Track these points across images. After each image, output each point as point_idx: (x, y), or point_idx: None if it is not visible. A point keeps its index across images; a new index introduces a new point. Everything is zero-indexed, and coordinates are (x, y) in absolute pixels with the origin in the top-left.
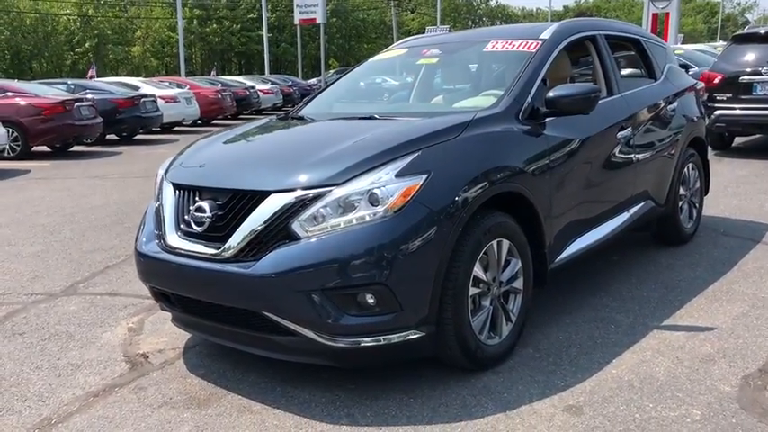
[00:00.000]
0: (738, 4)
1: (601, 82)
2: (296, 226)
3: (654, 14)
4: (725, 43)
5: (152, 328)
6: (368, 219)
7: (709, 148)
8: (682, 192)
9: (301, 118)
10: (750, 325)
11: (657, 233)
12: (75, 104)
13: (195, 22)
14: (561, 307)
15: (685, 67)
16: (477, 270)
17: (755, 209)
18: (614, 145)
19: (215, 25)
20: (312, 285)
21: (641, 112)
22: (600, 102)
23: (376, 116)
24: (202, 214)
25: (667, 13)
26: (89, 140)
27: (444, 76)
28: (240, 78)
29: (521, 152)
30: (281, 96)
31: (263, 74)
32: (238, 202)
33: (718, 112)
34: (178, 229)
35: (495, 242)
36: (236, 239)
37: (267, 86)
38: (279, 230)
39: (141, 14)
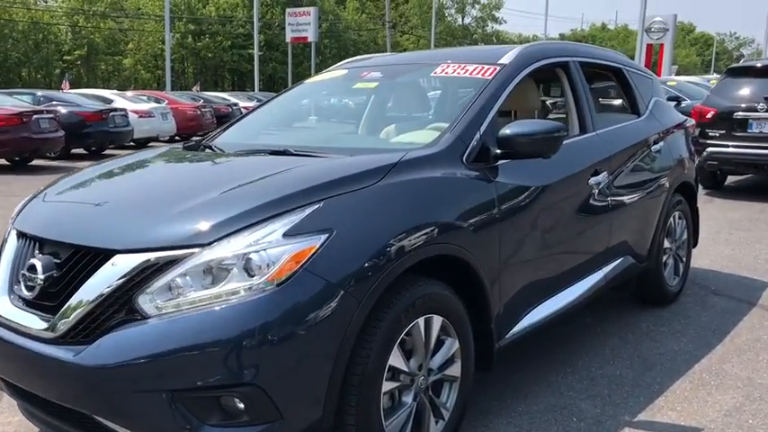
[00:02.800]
0: (736, 39)
1: (572, 117)
2: (143, 299)
3: (648, 45)
4: (719, 76)
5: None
6: (242, 293)
7: (700, 188)
8: (666, 245)
9: (209, 148)
10: (745, 426)
11: (638, 291)
12: (34, 116)
13: (190, 37)
14: (514, 390)
15: (677, 99)
16: (396, 358)
17: (750, 261)
18: (585, 193)
19: (207, 40)
20: (160, 384)
21: (620, 153)
22: (570, 141)
23: (290, 150)
24: (34, 275)
25: (662, 45)
26: (52, 154)
27: (383, 104)
28: (224, 95)
29: (461, 203)
30: None
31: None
32: (78, 262)
33: (710, 149)
34: (11, 291)
35: (422, 320)
36: (69, 312)
37: (252, 104)
38: (121, 304)
39: (134, 27)
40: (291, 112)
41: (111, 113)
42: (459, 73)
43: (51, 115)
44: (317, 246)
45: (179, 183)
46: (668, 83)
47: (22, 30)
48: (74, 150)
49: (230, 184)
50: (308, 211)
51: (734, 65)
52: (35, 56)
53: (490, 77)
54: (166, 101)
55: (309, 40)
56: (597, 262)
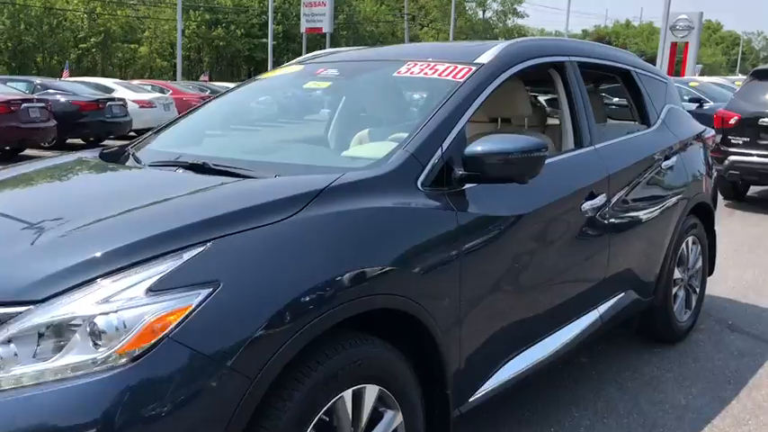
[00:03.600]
0: (765, 39)
1: (566, 128)
2: None
3: (673, 44)
4: (744, 77)
5: None
6: (83, 370)
7: (720, 198)
8: (677, 275)
9: (130, 156)
10: None
11: (642, 328)
12: (23, 105)
13: (204, 26)
14: None
15: (699, 101)
16: None
17: None
18: (576, 220)
19: (220, 29)
20: None
21: (623, 171)
22: (560, 158)
23: (210, 164)
24: None
25: (687, 43)
26: (45, 144)
27: (334, 108)
28: (233, 85)
29: (409, 240)
30: None
31: None
32: None
33: (732, 158)
34: None
35: (349, 393)
36: None
37: None
38: None
39: (150, 15)
40: (235, 113)
41: (108, 103)
42: (426, 73)
43: (42, 104)
44: (194, 305)
45: (42, 210)
46: (690, 84)
47: (36, 14)
48: (69, 140)
49: (99, 215)
50: (188, 255)
51: (760, 67)
52: (49, 41)
53: (462, 80)
54: (171, 91)
55: (324, 31)
56: (591, 300)
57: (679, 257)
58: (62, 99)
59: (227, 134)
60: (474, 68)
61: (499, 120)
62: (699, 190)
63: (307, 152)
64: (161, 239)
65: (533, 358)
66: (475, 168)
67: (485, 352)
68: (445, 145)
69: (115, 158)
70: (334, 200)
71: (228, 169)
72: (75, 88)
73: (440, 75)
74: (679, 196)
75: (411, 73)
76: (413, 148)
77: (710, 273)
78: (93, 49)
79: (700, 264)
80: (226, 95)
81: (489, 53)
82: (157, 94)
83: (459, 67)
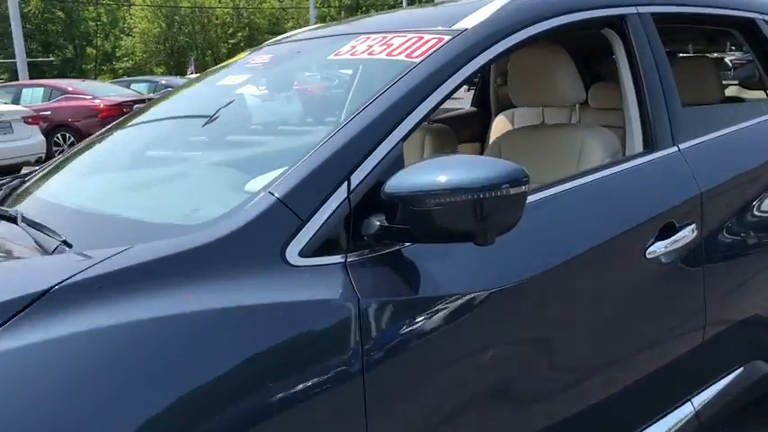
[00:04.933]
0: None
1: (631, 120)
2: None
3: None
4: None
5: None
6: None
7: None
8: None
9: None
10: None
11: None
12: (135, 106)
13: (344, 12)
14: None
15: None
16: None
17: None
18: (637, 273)
19: (360, 14)
20: None
21: (728, 183)
22: (607, 173)
23: (19, 218)
24: None
25: None
26: None
27: (239, 116)
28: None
29: (247, 379)
30: None
31: None
32: None
33: None
34: None
35: None
36: None
37: None
38: None
39: (294, 5)
40: (159, 126)
41: None
42: (373, 53)
43: None
44: None
45: None
46: None
47: (186, 14)
48: None
49: None
50: None
51: None
52: (200, 38)
53: (419, 59)
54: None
55: None
56: (674, 392)
57: None
58: None
59: (132, 157)
60: (447, 38)
61: (542, 109)
62: None
63: (204, 188)
64: None
65: None
66: (405, 218)
67: None
68: (356, 178)
69: None
70: (61, 313)
71: (32, 232)
72: None
73: (389, 53)
74: None
75: (352, 54)
76: (283, 191)
77: None
78: (242, 44)
79: None
80: (169, 98)
81: (482, 11)
82: None
83: (426, 37)
